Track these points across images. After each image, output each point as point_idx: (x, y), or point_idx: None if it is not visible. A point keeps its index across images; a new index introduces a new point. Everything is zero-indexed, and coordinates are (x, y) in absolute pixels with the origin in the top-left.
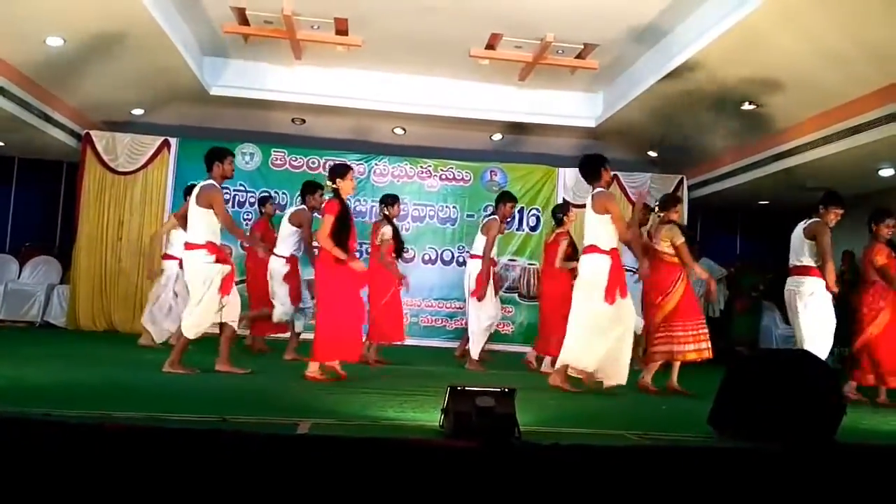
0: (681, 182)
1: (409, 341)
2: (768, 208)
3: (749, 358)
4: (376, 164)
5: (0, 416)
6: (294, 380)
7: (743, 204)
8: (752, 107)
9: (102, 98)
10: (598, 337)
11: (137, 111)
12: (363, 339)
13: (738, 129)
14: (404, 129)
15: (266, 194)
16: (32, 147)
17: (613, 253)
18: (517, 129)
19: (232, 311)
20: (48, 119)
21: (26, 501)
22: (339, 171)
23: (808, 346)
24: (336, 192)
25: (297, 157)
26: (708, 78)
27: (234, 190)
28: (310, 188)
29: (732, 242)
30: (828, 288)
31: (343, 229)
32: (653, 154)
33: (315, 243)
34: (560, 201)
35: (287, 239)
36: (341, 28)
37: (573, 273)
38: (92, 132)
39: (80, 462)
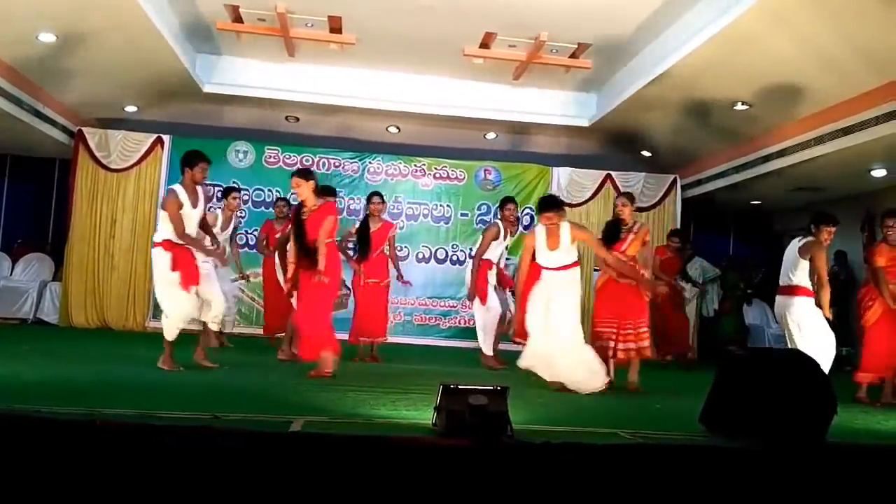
0: (674, 182)
1: (402, 339)
2: (761, 208)
3: (741, 357)
4: (370, 163)
5: None
6: (287, 378)
7: (736, 204)
8: (744, 107)
9: (95, 95)
10: None
11: (130, 108)
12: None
13: (731, 129)
14: (398, 128)
15: (280, 197)
16: (24, 144)
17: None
18: (511, 128)
19: (210, 311)
20: (40, 116)
21: (17, 498)
22: None
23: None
24: None
25: (291, 154)
26: (701, 78)
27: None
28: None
29: (725, 242)
30: (822, 311)
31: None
32: (646, 154)
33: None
34: None
35: None
36: (335, 26)
37: None
38: (84, 129)
39: (71, 458)
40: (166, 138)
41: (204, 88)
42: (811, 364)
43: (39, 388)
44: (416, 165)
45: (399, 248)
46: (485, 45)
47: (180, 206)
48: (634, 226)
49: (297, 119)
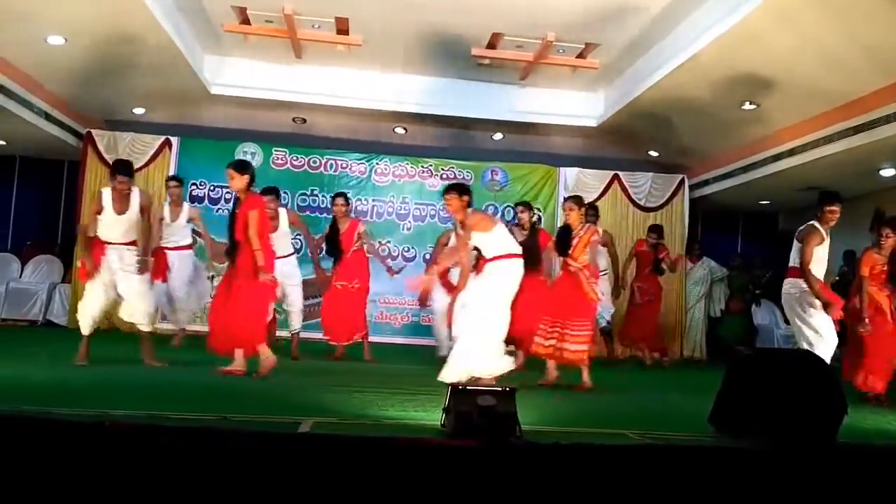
0: (681, 182)
1: (409, 340)
2: (769, 208)
3: (750, 357)
4: (377, 164)
5: (0, 414)
6: (295, 378)
7: (743, 204)
8: (752, 107)
9: (103, 97)
10: None
11: (139, 110)
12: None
13: (739, 128)
14: (405, 129)
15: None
16: (34, 146)
17: None
18: (518, 128)
19: (126, 310)
20: (49, 118)
21: (27, 499)
22: None
23: (811, 347)
24: None
25: (299, 156)
26: (708, 77)
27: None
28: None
29: (733, 242)
30: (817, 298)
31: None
32: (654, 154)
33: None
34: (561, 201)
35: (286, 238)
36: (342, 27)
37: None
38: (93, 131)
39: (80, 460)
40: (174, 140)
41: (211, 90)
42: (821, 364)
43: (48, 389)
44: (423, 166)
45: (406, 248)
46: (492, 45)
47: (99, 209)
48: (581, 229)
49: (304, 120)
